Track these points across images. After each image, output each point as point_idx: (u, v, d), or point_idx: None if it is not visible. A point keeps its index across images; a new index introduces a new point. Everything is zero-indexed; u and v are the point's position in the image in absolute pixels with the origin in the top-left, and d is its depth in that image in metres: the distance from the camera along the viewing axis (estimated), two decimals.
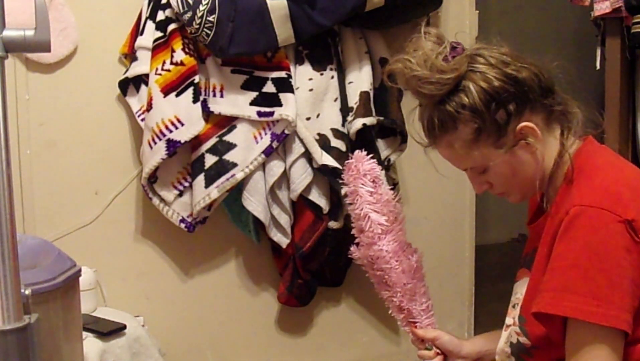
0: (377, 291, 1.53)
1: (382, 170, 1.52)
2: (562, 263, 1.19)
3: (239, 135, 2.37)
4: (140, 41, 2.34)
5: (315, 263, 2.55)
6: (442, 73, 1.25)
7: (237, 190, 2.42)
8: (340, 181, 1.55)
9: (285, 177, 2.44)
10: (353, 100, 2.47)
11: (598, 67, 2.71)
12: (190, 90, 2.28)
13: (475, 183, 1.36)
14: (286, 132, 2.37)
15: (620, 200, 1.19)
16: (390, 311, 1.54)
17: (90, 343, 2.05)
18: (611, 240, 1.16)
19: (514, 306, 1.39)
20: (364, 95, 2.46)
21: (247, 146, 2.37)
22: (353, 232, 1.51)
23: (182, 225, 2.39)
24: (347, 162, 1.51)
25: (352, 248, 1.52)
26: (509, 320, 1.40)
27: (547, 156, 1.30)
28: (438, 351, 1.51)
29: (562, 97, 1.32)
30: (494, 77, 1.25)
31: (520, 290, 1.38)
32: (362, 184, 1.46)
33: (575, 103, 1.32)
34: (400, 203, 1.51)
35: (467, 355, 1.51)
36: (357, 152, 1.51)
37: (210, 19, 2.23)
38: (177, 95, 2.28)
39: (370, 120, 2.44)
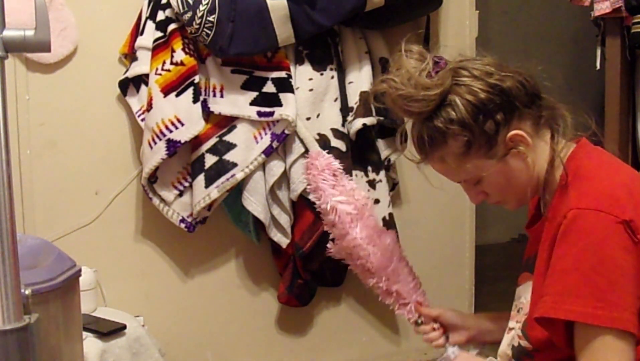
0: (364, 282, 1.53)
1: (340, 163, 1.54)
2: (562, 267, 1.18)
3: (239, 135, 2.37)
4: (140, 41, 2.34)
5: (315, 263, 2.55)
6: (426, 89, 1.25)
7: (237, 190, 2.42)
8: (304, 183, 1.57)
9: (285, 177, 2.44)
10: (353, 100, 2.47)
11: (598, 67, 2.71)
12: (190, 90, 2.28)
13: (470, 195, 1.36)
14: (286, 132, 2.37)
15: (617, 201, 1.19)
16: (380, 298, 1.54)
17: (90, 343, 2.05)
18: (610, 241, 1.16)
19: (518, 311, 1.39)
20: (364, 95, 2.46)
21: (247, 146, 2.37)
22: (325, 228, 1.52)
23: (182, 225, 2.39)
24: (305, 162, 1.53)
25: (329, 245, 1.53)
26: (512, 323, 1.40)
27: (539, 161, 1.30)
28: (435, 326, 1.51)
29: (550, 102, 1.32)
30: (479, 88, 1.25)
31: (523, 294, 1.38)
32: (323, 179, 1.48)
33: (564, 106, 1.32)
34: (364, 191, 1.52)
35: (469, 326, 1.51)
36: (311, 150, 1.53)
37: (210, 19, 2.23)
38: (177, 95, 2.27)
39: (370, 120, 2.44)
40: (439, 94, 1.25)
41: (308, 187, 1.53)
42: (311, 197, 1.53)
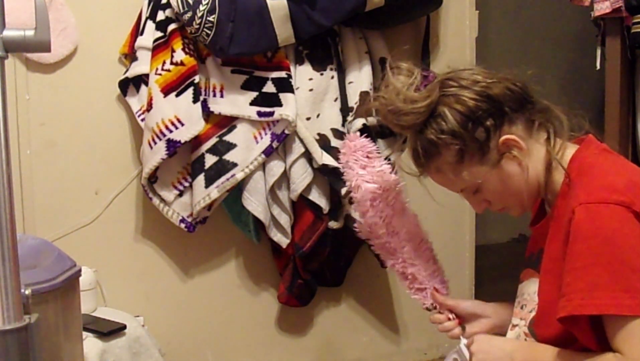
0: (385, 262, 1.53)
1: (376, 146, 1.57)
2: (582, 263, 1.18)
3: (239, 135, 2.37)
4: (140, 41, 2.34)
5: (315, 263, 2.55)
6: (415, 103, 1.27)
7: (237, 190, 2.42)
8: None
9: (285, 177, 2.44)
10: (353, 100, 2.46)
11: (598, 67, 2.71)
12: (190, 90, 2.28)
13: (473, 204, 1.38)
14: (286, 132, 2.37)
15: (624, 193, 1.20)
16: (399, 280, 1.53)
17: (90, 343, 2.05)
18: (625, 230, 1.17)
19: (522, 308, 1.39)
20: (364, 95, 2.45)
21: (247, 146, 2.37)
22: (353, 207, 1.56)
23: (182, 225, 2.39)
24: (342, 142, 1.57)
25: (356, 223, 1.55)
26: (515, 320, 1.40)
27: (535, 164, 1.31)
28: (450, 316, 1.50)
29: (543, 104, 1.33)
30: (467, 97, 1.27)
31: (527, 291, 1.38)
32: (355, 159, 1.51)
33: (559, 108, 1.33)
34: (398, 175, 1.53)
35: (489, 315, 1.49)
36: (350, 134, 1.55)
37: (210, 19, 2.23)
38: (177, 95, 2.28)
39: (370, 120, 2.44)
40: (426, 106, 1.27)
41: (341, 167, 1.55)
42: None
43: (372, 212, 1.48)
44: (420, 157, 1.32)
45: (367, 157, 1.52)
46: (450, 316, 1.50)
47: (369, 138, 1.55)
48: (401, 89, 1.28)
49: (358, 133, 1.57)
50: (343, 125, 2.45)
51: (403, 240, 1.50)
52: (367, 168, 1.51)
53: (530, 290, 1.37)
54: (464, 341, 1.44)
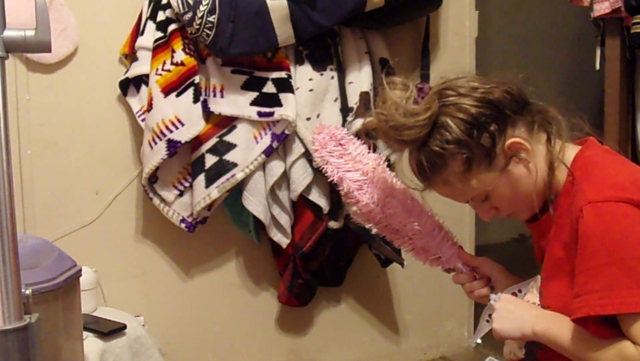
0: (393, 243, 1.51)
1: (346, 130, 1.51)
2: (596, 263, 1.18)
3: (239, 135, 2.37)
4: (141, 41, 2.34)
5: (315, 263, 2.55)
6: (416, 116, 1.26)
7: (238, 190, 2.43)
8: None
9: (285, 177, 2.45)
10: (353, 101, 2.47)
11: (598, 67, 2.71)
12: (190, 91, 2.28)
13: (481, 212, 1.37)
14: (286, 132, 2.38)
15: (632, 191, 1.20)
16: (413, 256, 1.51)
17: (91, 343, 2.05)
18: (636, 228, 1.17)
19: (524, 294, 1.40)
20: (364, 95, 2.46)
21: (247, 146, 2.37)
22: (343, 199, 1.51)
23: (183, 225, 2.40)
24: (311, 137, 1.51)
25: (351, 212, 1.51)
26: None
27: (541, 164, 1.31)
28: (475, 275, 1.48)
29: (540, 106, 1.33)
30: (469, 104, 1.26)
31: (532, 284, 1.40)
32: (328, 152, 1.46)
33: (555, 109, 1.33)
34: (378, 152, 1.48)
35: (513, 281, 1.47)
36: (316, 126, 1.50)
37: (211, 19, 2.23)
38: (177, 96, 2.28)
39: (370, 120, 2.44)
40: (428, 118, 1.26)
41: (316, 164, 1.50)
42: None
43: (363, 200, 1.44)
44: (426, 170, 1.30)
45: (340, 144, 1.47)
46: (476, 275, 1.48)
47: (333, 125, 1.48)
48: (400, 103, 1.26)
49: (321, 124, 1.51)
50: (343, 125, 2.45)
51: (402, 218, 1.46)
52: (344, 157, 1.46)
53: (534, 285, 1.38)
54: (492, 297, 1.42)
